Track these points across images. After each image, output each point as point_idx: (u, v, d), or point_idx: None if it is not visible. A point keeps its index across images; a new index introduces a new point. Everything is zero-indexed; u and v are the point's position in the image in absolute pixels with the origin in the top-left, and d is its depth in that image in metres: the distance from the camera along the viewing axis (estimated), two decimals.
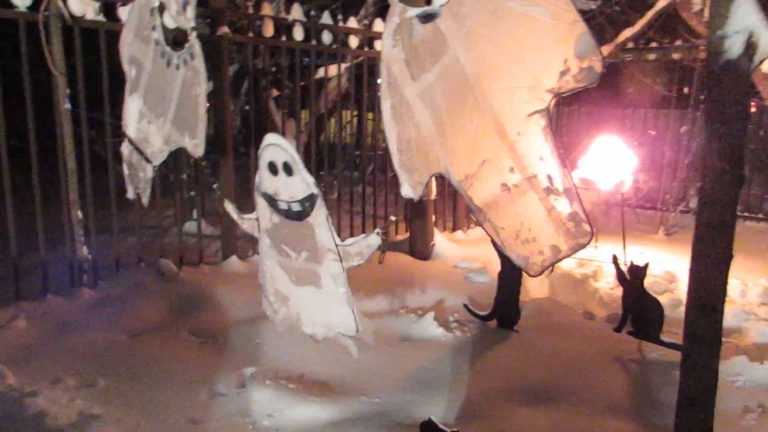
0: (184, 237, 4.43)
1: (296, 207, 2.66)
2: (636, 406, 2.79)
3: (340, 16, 5.06)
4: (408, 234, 5.46)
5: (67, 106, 3.60)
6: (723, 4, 1.38)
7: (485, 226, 2.05)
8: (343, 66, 5.54)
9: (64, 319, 3.36)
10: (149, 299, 3.70)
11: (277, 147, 2.56)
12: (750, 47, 1.35)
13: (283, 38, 4.67)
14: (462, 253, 5.31)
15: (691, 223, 5.87)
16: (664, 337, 3.40)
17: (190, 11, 3.01)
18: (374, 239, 2.58)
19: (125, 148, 3.47)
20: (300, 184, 2.59)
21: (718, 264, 1.45)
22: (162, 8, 3.23)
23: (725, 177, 1.41)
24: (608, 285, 4.73)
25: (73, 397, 2.52)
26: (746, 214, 6.99)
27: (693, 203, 7.27)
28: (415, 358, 3.16)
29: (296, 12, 4.70)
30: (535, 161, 1.80)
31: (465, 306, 3.87)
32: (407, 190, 2.31)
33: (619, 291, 4.13)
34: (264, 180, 2.69)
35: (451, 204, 6.28)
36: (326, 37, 4.91)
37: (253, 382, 2.84)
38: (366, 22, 5.77)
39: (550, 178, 1.80)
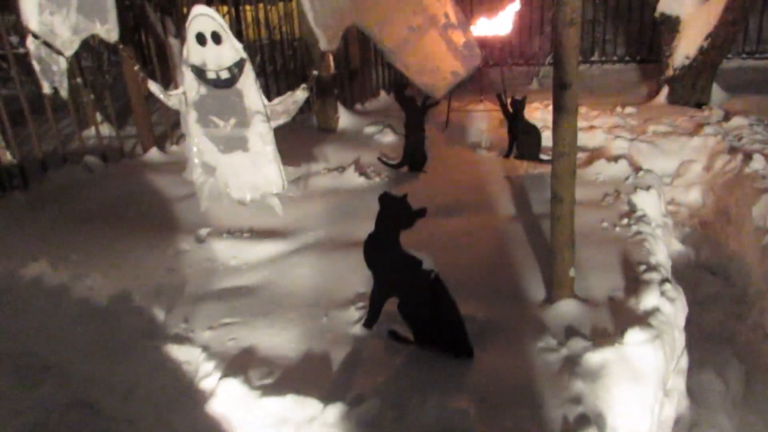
0: (93, 139, 4.56)
1: (225, 75, 2.93)
2: (525, 205, 3.50)
3: None
4: (311, 111, 5.81)
5: None
6: None
7: (397, 65, 2.48)
8: None
9: (11, 217, 3.53)
10: (86, 192, 3.89)
11: (205, 17, 2.77)
12: None
13: None
14: (365, 122, 5.77)
15: None
16: (543, 156, 4.15)
17: None
18: (300, 95, 2.95)
19: (31, 43, 3.47)
20: (228, 52, 2.86)
21: (571, 53, 2.01)
22: None
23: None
24: (494, 128, 5.44)
25: (57, 267, 2.82)
26: (603, 58, 7.91)
27: None
28: (347, 201, 3.68)
29: None
30: (433, 2, 2.23)
31: (379, 158, 4.39)
32: (324, 44, 2.66)
33: (502, 131, 4.85)
34: (192, 52, 2.92)
35: (348, 80, 6.63)
36: None
37: (210, 237, 3.25)
38: None
39: (446, 15, 2.24)
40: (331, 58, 5.68)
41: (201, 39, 2.83)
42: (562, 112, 2.08)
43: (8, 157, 3.82)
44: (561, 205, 2.18)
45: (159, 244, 3.20)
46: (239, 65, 2.88)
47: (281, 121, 2.96)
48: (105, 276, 2.80)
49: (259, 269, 2.91)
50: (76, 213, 3.62)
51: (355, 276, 2.64)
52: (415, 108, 4.18)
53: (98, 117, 5.53)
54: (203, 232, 3.32)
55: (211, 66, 2.91)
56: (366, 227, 3.28)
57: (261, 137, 3.02)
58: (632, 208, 3.24)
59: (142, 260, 3.02)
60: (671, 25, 5.32)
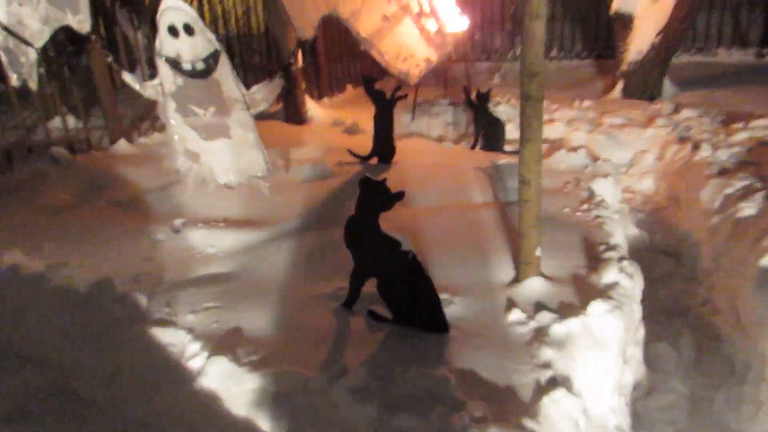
0: (56, 131, 4.52)
1: (200, 66, 2.99)
2: (491, 192, 3.65)
3: None
4: (281, 104, 5.85)
5: None
6: None
7: (372, 53, 2.60)
8: None
9: None
10: (54, 183, 3.87)
11: (175, 10, 2.82)
12: None
13: None
14: (333, 115, 5.86)
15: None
16: (507, 147, 4.32)
17: None
18: (277, 82, 3.03)
19: None
20: (202, 43, 2.92)
21: (538, 44, 2.15)
22: None
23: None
24: (458, 121, 5.60)
25: (31, 257, 2.82)
26: (562, 54, 8.17)
27: (519, 51, 8.34)
28: (320, 191, 3.75)
29: None
30: None
31: (348, 151, 4.48)
32: (300, 33, 2.76)
33: (461, 123, 5.04)
34: (165, 44, 2.96)
35: (314, 74, 6.70)
36: None
37: (186, 227, 3.28)
38: None
39: (419, 3, 2.36)
40: (299, 51, 5.75)
41: (173, 31, 2.88)
42: (529, 99, 2.22)
43: None
44: (528, 187, 2.32)
45: (134, 234, 3.23)
46: (214, 56, 2.94)
47: (261, 108, 3.05)
48: (81, 265, 2.82)
49: (236, 257, 2.97)
50: (45, 203, 3.60)
51: (333, 260, 2.74)
52: (384, 101, 4.28)
53: (63, 109, 5.47)
54: (178, 222, 3.34)
55: (186, 57, 2.96)
56: (339, 216, 3.35)
57: (242, 125, 3.09)
58: (591, 195, 3.43)
59: (118, 250, 3.05)
60: (625, 22, 5.57)
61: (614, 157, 4.54)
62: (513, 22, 8.25)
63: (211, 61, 2.93)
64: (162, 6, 2.84)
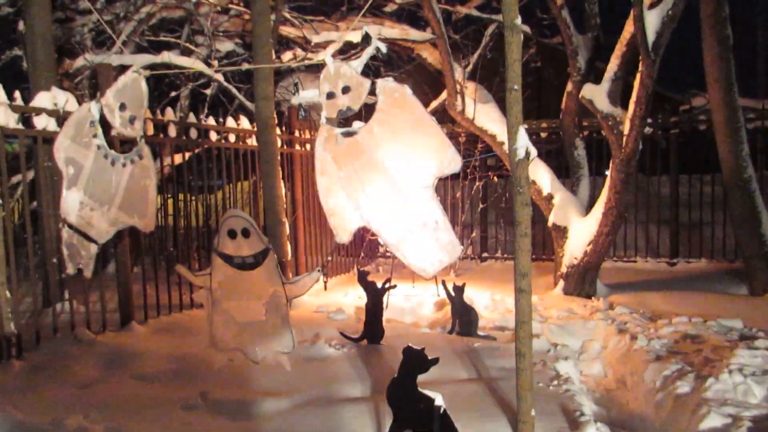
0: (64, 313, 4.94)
1: (250, 260, 3.68)
2: (474, 368, 4.29)
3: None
4: None
5: None
6: (513, 134, 3.01)
7: (396, 254, 3.37)
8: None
9: (11, 386, 3.78)
10: (79, 361, 4.22)
11: (237, 217, 3.59)
12: (527, 153, 2.99)
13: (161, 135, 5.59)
14: (316, 302, 6.53)
15: (471, 266, 7.91)
16: (480, 332, 5.06)
17: (138, 124, 3.89)
18: (315, 275, 3.74)
19: (65, 232, 4.05)
20: (255, 243, 3.64)
21: (526, 253, 3.02)
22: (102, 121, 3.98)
23: (524, 212, 3.00)
24: (429, 311, 6.36)
25: (83, 427, 3.16)
26: (505, 255, 9.41)
27: (470, 251, 9.53)
28: (325, 368, 4.29)
29: (170, 114, 5.66)
30: (427, 213, 3.21)
31: (341, 333, 5.08)
32: (340, 239, 3.53)
33: (435, 314, 5.80)
34: (222, 242, 3.67)
35: (294, 265, 7.47)
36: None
37: (211, 398, 3.71)
38: (182, 114, 6.98)
39: (436, 222, 3.22)
40: (288, 244, 6.57)
41: (232, 234, 3.61)
42: (522, 292, 3.03)
43: (11, 327, 4.13)
44: (523, 359, 3.02)
45: (165, 405, 3.60)
46: (264, 253, 3.64)
47: (298, 295, 3.69)
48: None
49: (270, 423, 3.40)
50: (74, 379, 3.93)
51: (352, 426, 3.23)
52: (376, 290, 5.04)
53: (65, 294, 5.87)
54: (205, 393, 3.76)
55: (238, 253, 3.65)
56: (346, 389, 3.90)
57: (276, 308, 3.69)
58: (558, 374, 4.13)
59: (153, 418, 3.40)
60: (561, 232, 6.81)
61: (567, 344, 5.35)
62: (462, 226, 9.57)
63: (260, 257, 3.62)
64: (226, 214, 3.60)
